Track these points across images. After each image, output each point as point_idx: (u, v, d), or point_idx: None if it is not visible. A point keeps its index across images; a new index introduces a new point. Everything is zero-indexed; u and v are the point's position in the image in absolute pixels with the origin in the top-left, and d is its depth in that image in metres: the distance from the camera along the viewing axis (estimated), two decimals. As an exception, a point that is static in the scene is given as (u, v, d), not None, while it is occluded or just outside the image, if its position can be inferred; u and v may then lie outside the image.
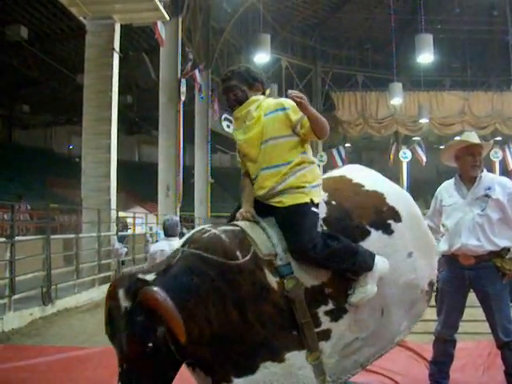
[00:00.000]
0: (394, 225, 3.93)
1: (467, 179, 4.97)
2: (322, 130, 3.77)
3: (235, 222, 3.70)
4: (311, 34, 38.32)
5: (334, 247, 3.47)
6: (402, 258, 3.94)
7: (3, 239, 11.20)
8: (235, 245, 3.42)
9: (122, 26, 16.89)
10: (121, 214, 18.93)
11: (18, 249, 10.83)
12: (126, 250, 16.45)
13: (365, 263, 3.57)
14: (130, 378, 3.03)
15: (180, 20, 21.93)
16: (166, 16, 16.68)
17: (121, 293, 3.08)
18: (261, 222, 3.63)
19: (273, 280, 3.39)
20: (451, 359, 5.03)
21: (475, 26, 34.81)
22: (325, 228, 3.65)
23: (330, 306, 3.52)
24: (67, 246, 15.37)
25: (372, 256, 3.62)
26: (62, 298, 12.61)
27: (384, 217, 3.94)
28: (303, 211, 3.57)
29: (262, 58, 26.69)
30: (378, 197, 4.04)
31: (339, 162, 34.81)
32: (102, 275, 15.33)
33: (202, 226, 3.76)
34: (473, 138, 5.02)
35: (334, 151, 35.97)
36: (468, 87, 37.61)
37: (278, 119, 3.72)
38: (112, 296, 3.13)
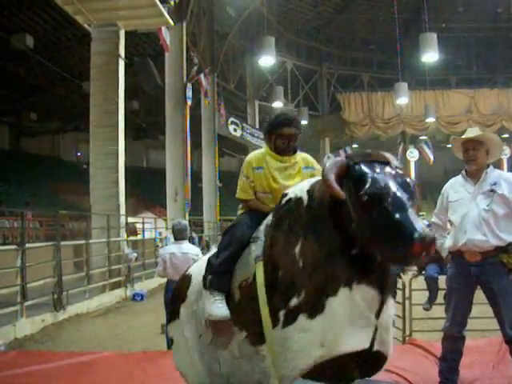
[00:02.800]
0: None
1: (472, 175, 4.98)
2: None
3: None
4: (316, 36, 38.37)
5: None
6: None
7: (14, 246, 11.26)
8: None
9: (126, 32, 16.97)
10: (130, 219, 19.01)
11: (29, 256, 10.90)
12: (135, 255, 16.51)
13: None
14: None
15: (184, 25, 22.01)
16: (171, 21, 16.74)
17: None
18: None
19: None
20: (460, 355, 5.04)
21: (479, 24, 34.78)
22: None
23: None
24: (77, 252, 15.43)
25: None
26: (73, 303, 12.65)
27: None
28: None
29: (266, 60, 26.70)
30: None
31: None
32: (112, 280, 15.39)
33: None
34: (472, 133, 5.03)
35: (342, 152, 35.96)
36: (474, 85, 37.58)
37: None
38: None
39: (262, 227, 3.72)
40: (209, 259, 3.86)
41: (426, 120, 34.48)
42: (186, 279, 4.35)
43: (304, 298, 3.24)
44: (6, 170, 32.34)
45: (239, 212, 4.28)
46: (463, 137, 5.05)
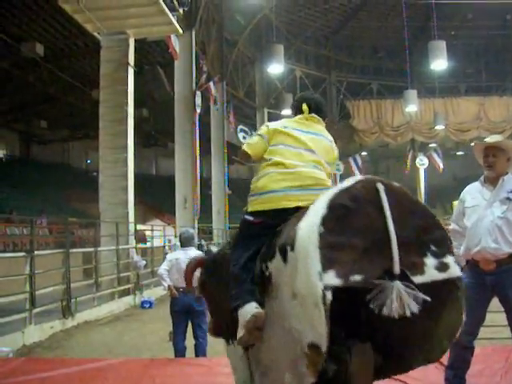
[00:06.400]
0: (289, 252, 3.03)
1: (490, 181, 4.93)
2: None
3: None
4: (325, 44, 38.38)
5: (232, 267, 3.51)
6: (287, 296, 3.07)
7: (23, 253, 11.31)
8: None
9: (136, 40, 17.05)
10: (139, 226, 19.03)
11: (38, 263, 10.95)
12: (144, 262, 16.54)
13: (233, 298, 3.40)
14: None
15: (193, 33, 22.08)
16: (180, 30, 16.80)
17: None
18: None
19: None
20: (468, 365, 4.99)
21: (488, 31, 34.72)
22: None
23: None
24: (86, 260, 15.51)
25: (243, 298, 3.32)
26: (81, 310, 12.70)
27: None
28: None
29: (275, 68, 26.80)
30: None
31: (356, 171, 34.80)
32: (121, 288, 15.43)
33: None
34: (492, 139, 5.01)
35: (351, 160, 35.95)
36: (483, 92, 37.51)
37: None
38: None
39: None
40: None
41: (436, 127, 34.45)
42: None
43: None
44: (15, 177, 32.53)
45: None
46: (485, 141, 5.03)
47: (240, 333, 3.26)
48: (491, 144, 4.94)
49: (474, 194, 5.02)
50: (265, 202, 3.46)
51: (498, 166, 4.88)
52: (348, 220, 2.70)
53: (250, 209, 3.58)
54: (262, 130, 3.75)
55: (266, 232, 3.37)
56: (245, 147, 3.78)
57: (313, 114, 3.76)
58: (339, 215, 2.70)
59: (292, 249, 2.91)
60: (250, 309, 3.22)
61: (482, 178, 5.03)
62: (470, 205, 4.98)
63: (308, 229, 2.78)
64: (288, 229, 3.12)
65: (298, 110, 3.84)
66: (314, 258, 2.67)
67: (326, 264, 2.62)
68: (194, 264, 4.43)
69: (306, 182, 3.42)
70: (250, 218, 3.54)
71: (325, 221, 2.69)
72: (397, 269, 2.63)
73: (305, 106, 3.78)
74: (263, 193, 3.48)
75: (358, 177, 2.90)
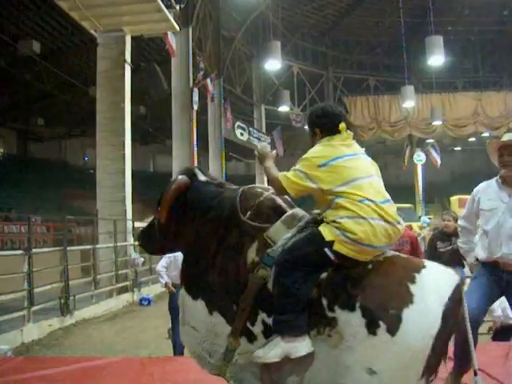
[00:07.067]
0: (384, 331, 3.09)
1: (507, 182, 4.75)
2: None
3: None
4: (322, 40, 38.28)
5: (286, 281, 3.29)
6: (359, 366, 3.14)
7: (21, 252, 11.30)
8: (252, 207, 3.73)
9: (132, 37, 17.03)
10: (137, 224, 19.00)
11: (36, 261, 10.94)
12: (142, 259, 16.52)
13: (287, 326, 3.26)
14: None
15: (190, 30, 22.02)
16: (176, 27, 16.80)
17: None
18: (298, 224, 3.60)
19: (252, 256, 3.52)
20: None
21: (485, 26, 34.76)
22: None
23: (268, 319, 3.43)
24: (84, 257, 15.49)
25: (301, 330, 3.24)
26: (80, 308, 12.70)
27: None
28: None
29: (273, 64, 26.80)
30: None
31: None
32: (119, 285, 15.43)
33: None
34: (507, 137, 4.88)
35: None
36: (480, 88, 37.45)
37: None
38: None
39: None
40: None
41: (433, 123, 34.39)
42: None
43: None
44: (13, 175, 32.51)
45: None
46: (501, 140, 4.90)
47: (274, 358, 3.25)
48: (507, 142, 4.80)
49: (490, 195, 4.83)
50: (358, 252, 3.29)
51: None
52: (446, 332, 3.18)
53: (336, 247, 3.29)
54: (308, 168, 3.46)
55: (333, 265, 3.36)
56: (284, 183, 3.47)
57: (348, 131, 3.67)
58: (446, 330, 3.14)
59: (392, 334, 3.07)
60: (307, 346, 3.24)
61: (498, 179, 4.86)
62: (488, 207, 4.80)
63: (420, 334, 3.07)
64: (376, 292, 3.20)
65: (332, 129, 3.65)
66: (419, 365, 3.10)
67: (424, 372, 3.11)
68: (178, 184, 4.18)
69: (394, 239, 3.46)
70: (332, 255, 3.30)
71: (439, 335, 3.07)
72: (476, 368, 3.48)
73: (343, 125, 3.64)
74: (361, 243, 3.27)
75: (453, 277, 3.28)
